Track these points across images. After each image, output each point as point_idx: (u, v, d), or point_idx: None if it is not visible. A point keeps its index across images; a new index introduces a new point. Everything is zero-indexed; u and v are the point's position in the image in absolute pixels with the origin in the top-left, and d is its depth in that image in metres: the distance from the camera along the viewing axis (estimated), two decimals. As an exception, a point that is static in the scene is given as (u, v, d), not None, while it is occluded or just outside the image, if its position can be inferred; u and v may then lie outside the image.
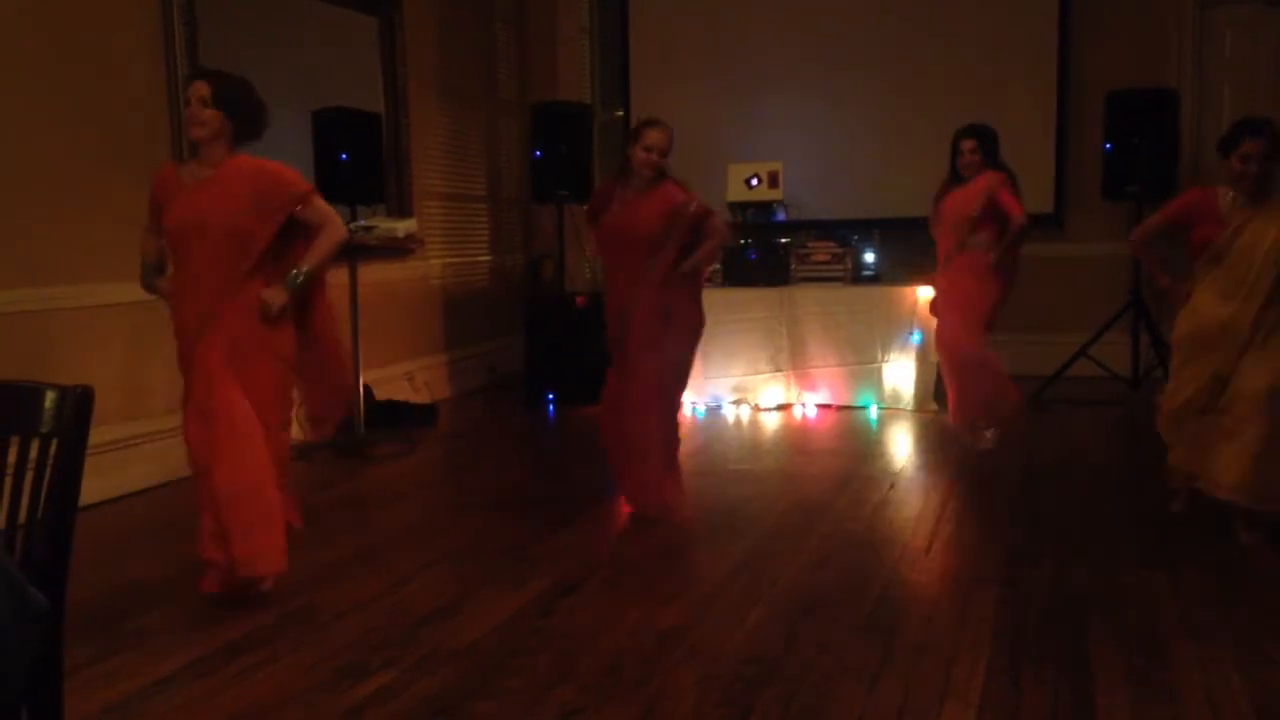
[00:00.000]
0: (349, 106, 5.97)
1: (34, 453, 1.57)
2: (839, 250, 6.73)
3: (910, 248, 6.44)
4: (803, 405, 6.54)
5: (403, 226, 5.57)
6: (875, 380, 6.46)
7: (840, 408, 6.50)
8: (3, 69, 4.30)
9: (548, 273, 7.91)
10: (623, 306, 4.21)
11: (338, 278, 5.62)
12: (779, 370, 6.63)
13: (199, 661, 2.94)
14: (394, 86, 6.70)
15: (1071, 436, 5.76)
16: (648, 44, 8.00)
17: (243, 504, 3.30)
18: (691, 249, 4.20)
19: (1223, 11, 7.08)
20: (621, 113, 8.11)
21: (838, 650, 2.93)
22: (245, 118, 3.41)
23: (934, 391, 6.31)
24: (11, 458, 1.59)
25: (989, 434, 5.27)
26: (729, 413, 6.54)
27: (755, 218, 7.06)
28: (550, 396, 6.86)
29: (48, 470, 1.56)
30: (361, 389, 5.67)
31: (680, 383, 4.35)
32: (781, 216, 7.17)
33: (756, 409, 6.59)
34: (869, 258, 6.80)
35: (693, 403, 6.57)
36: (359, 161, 5.87)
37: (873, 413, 6.36)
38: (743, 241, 6.86)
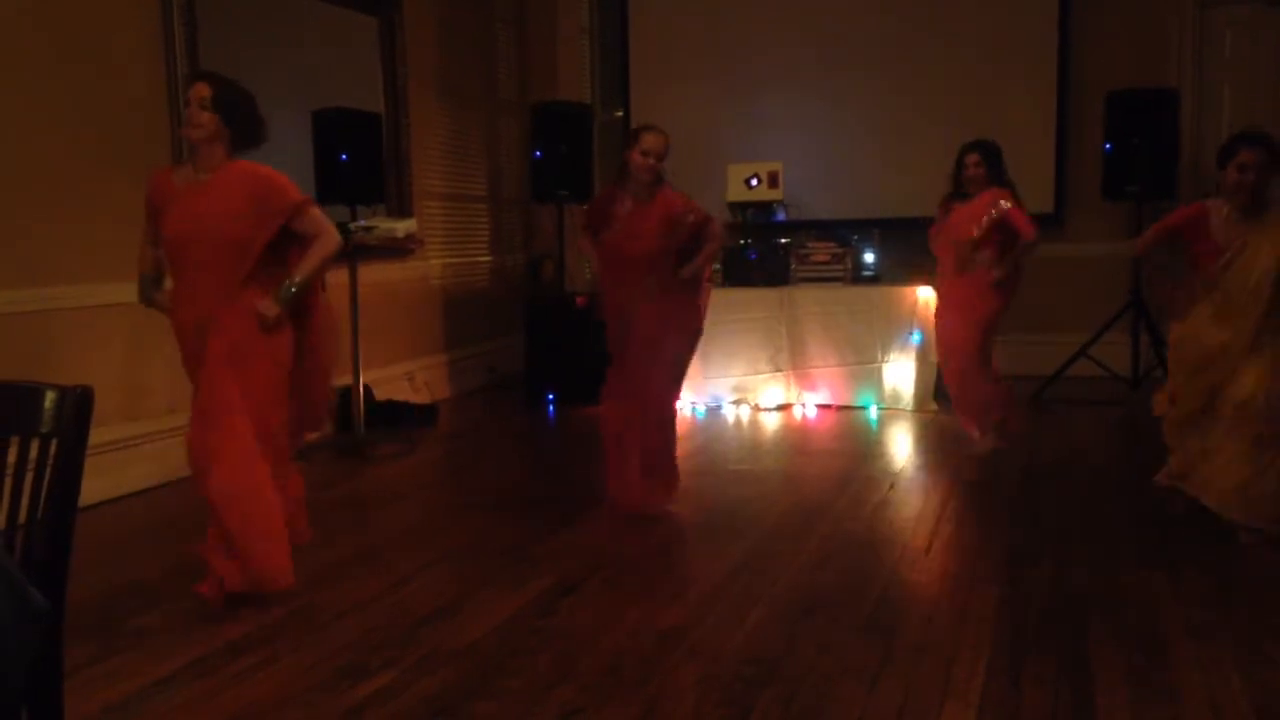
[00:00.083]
0: (349, 107, 5.97)
1: (34, 453, 1.57)
2: (839, 250, 6.73)
3: (910, 248, 6.43)
4: (803, 405, 6.54)
5: (402, 227, 5.57)
6: (875, 380, 6.46)
7: (840, 408, 6.50)
8: (3, 69, 4.30)
9: (548, 273, 7.91)
10: (622, 309, 4.22)
11: (338, 278, 5.63)
12: (779, 370, 6.63)
13: (199, 661, 2.94)
14: (394, 86, 6.70)
15: (1071, 436, 5.76)
16: (648, 44, 8.00)
17: (240, 508, 3.30)
18: (691, 254, 4.22)
19: (1223, 11, 7.08)
20: (621, 113, 8.11)
21: (838, 650, 2.93)
22: (243, 125, 3.38)
23: (934, 391, 6.32)
24: (11, 458, 1.59)
25: (986, 437, 5.27)
26: (729, 413, 6.54)
27: (755, 218, 7.06)
28: (550, 396, 6.86)
29: (47, 470, 1.56)
30: (362, 389, 5.67)
31: (677, 386, 4.38)
32: (781, 216, 7.17)
33: (756, 409, 6.59)
34: (869, 258, 6.80)
35: (693, 403, 6.57)
36: (359, 162, 5.87)
37: (873, 413, 6.36)
38: (743, 241, 6.86)
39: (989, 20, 7.30)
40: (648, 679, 2.77)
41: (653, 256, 4.17)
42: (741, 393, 6.66)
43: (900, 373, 6.41)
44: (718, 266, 6.75)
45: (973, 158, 5.12)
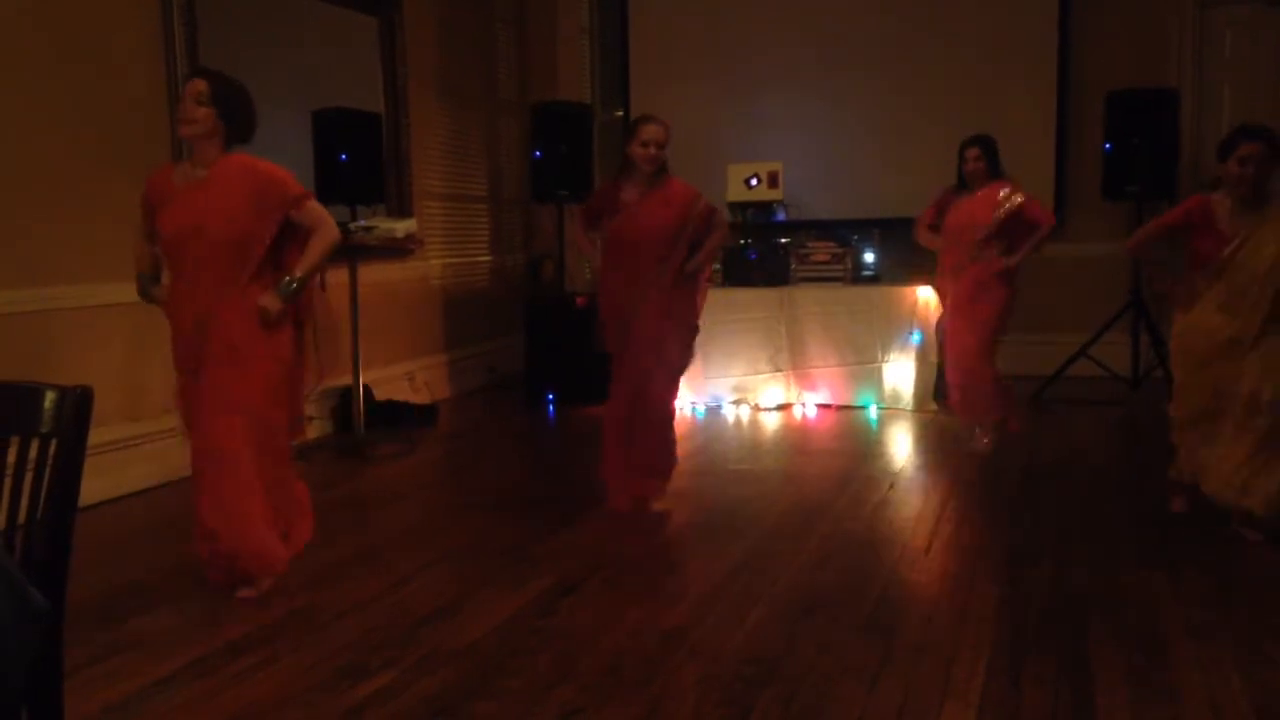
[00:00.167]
0: (349, 107, 5.97)
1: (34, 453, 1.57)
2: (839, 250, 6.73)
3: (910, 248, 6.41)
4: (803, 405, 6.54)
5: (402, 227, 5.57)
6: (875, 380, 6.46)
7: (840, 408, 6.50)
8: (3, 69, 4.30)
9: (548, 273, 7.91)
10: (622, 308, 4.20)
11: (338, 277, 5.63)
12: (779, 370, 6.63)
13: (199, 661, 2.93)
14: (394, 86, 6.70)
15: (1071, 436, 5.76)
16: (648, 44, 8.01)
17: (227, 507, 3.34)
18: (694, 248, 4.22)
19: (1223, 11, 7.08)
20: (621, 113, 8.11)
21: (838, 650, 2.93)
22: (238, 119, 3.39)
23: (934, 391, 6.32)
24: (11, 458, 1.59)
25: (985, 439, 5.27)
26: (729, 413, 6.54)
27: (755, 218, 7.07)
28: (550, 396, 6.86)
29: (47, 470, 1.56)
30: (362, 389, 5.67)
31: (676, 385, 4.38)
32: (781, 216, 7.17)
33: (756, 409, 6.59)
34: (869, 258, 6.80)
35: (693, 403, 6.57)
36: (359, 162, 5.87)
37: (872, 413, 6.36)
38: (743, 241, 6.86)
39: (989, 20, 7.30)
40: (648, 679, 2.77)
41: (664, 240, 4.15)
42: (741, 393, 6.66)
43: (900, 372, 6.41)
44: (718, 266, 6.77)
45: (973, 151, 5.14)
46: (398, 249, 5.66)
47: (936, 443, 5.60)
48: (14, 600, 1.33)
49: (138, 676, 2.84)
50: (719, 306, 6.05)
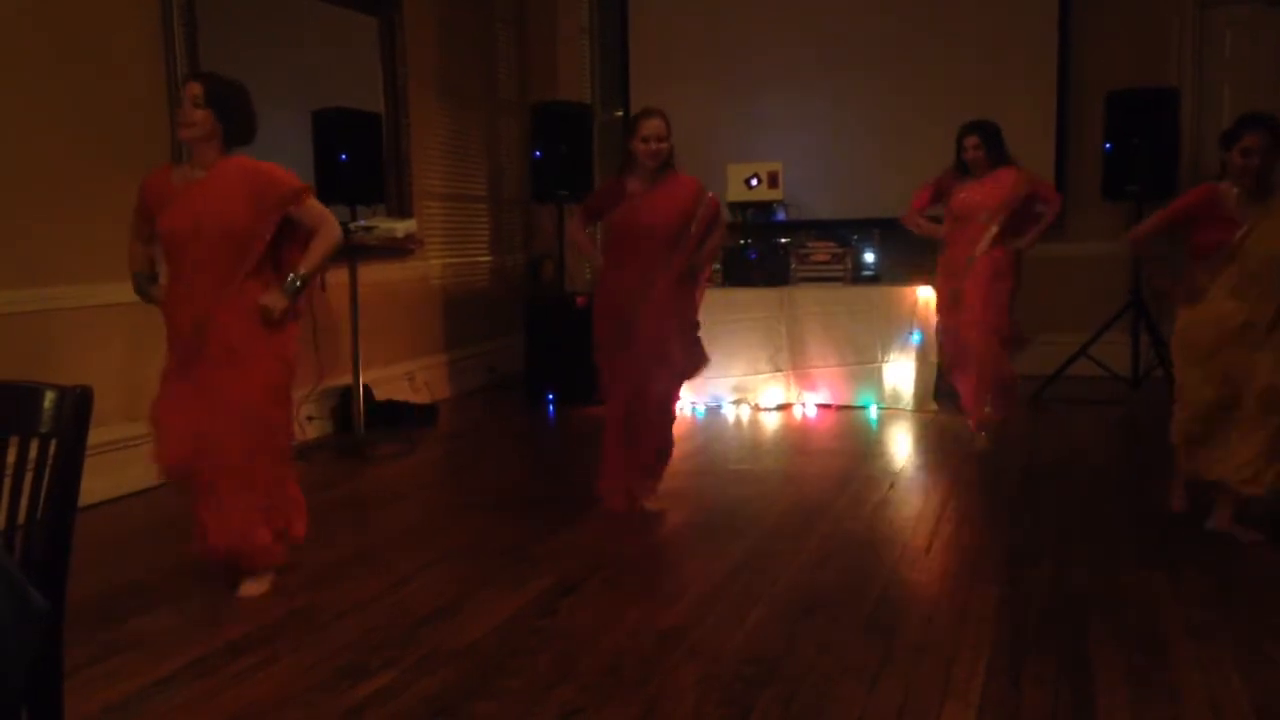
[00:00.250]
0: (349, 107, 5.97)
1: (33, 453, 1.57)
2: (839, 250, 6.73)
3: (910, 247, 6.43)
4: (803, 405, 6.54)
5: (402, 227, 5.57)
6: (875, 380, 6.46)
7: (840, 407, 6.50)
8: (3, 69, 4.30)
9: (548, 273, 7.91)
10: (622, 308, 4.16)
11: (338, 277, 5.63)
12: (779, 370, 6.63)
13: (199, 661, 2.94)
14: (394, 86, 6.70)
15: (1071, 436, 5.76)
16: (648, 44, 8.01)
17: (226, 501, 3.36)
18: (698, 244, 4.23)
19: (1223, 11, 7.08)
20: (621, 113, 8.10)
21: (838, 650, 2.93)
22: (237, 120, 3.39)
23: (934, 391, 6.32)
24: (11, 458, 1.59)
25: (982, 435, 5.27)
26: (729, 412, 6.54)
27: (755, 218, 7.06)
28: (550, 396, 6.86)
29: (47, 470, 1.56)
30: (362, 389, 5.67)
31: (678, 385, 4.38)
32: (781, 216, 7.17)
33: (756, 409, 6.59)
34: (869, 258, 6.80)
35: (693, 403, 6.57)
36: (359, 162, 5.87)
37: (873, 412, 6.36)
38: (742, 241, 6.86)
39: (989, 20, 7.30)
40: (648, 679, 2.77)
41: (672, 231, 4.14)
42: (741, 392, 6.66)
43: (900, 372, 6.41)
44: (717, 266, 6.77)
45: (972, 140, 5.11)
46: (398, 249, 5.66)
47: (936, 443, 5.60)
48: (14, 600, 1.33)
49: (138, 676, 2.84)
50: (719, 306, 6.05)
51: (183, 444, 3.34)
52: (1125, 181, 6.64)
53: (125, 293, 3.67)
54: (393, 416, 6.13)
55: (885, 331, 6.42)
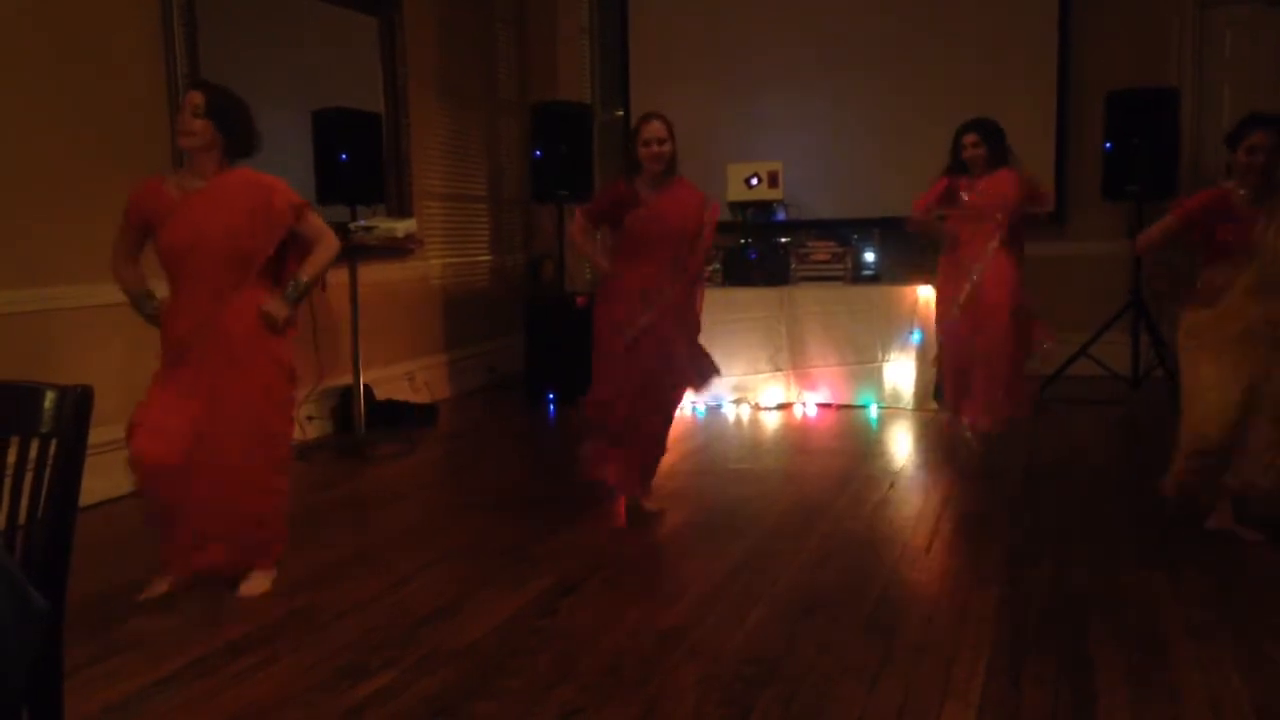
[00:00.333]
0: (349, 107, 5.97)
1: (34, 453, 1.57)
2: (839, 250, 6.73)
3: (910, 247, 6.44)
4: (803, 404, 6.54)
5: (402, 226, 5.57)
6: (875, 379, 6.46)
7: (840, 407, 6.50)
8: (3, 69, 4.30)
9: (548, 273, 7.91)
10: (633, 314, 4.11)
11: (338, 277, 5.63)
12: (779, 369, 6.63)
13: (199, 661, 2.94)
14: (394, 86, 6.70)
15: (1071, 436, 5.75)
16: (648, 44, 8.01)
17: (226, 509, 3.36)
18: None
19: (1223, 11, 7.08)
20: (621, 112, 8.11)
21: (838, 650, 2.93)
22: (238, 134, 3.37)
23: (934, 391, 6.31)
24: (11, 458, 1.59)
25: (974, 437, 5.22)
26: (729, 412, 6.54)
27: (755, 217, 7.06)
28: (550, 396, 6.86)
29: (47, 470, 1.56)
30: (362, 389, 5.67)
31: (681, 393, 4.39)
32: (781, 216, 7.18)
33: (756, 408, 6.59)
34: (869, 257, 6.81)
35: (693, 402, 6.57)
36: (359, 161, 5.87)
37: (873, 412, 6.36)
38: (743, 241, 6.86)
39: (989, 20, 7.30)
40: (648, 679, 2.77)
41: (685, 239, 4.17)
42: (742, 392, 6.66)
43: (900, 372, 6.41)
44: (717, 266, 6.78)
45: (970, 138, 5.06)
46: (398, 249, 5.66)
47: (936, 442, 5.60)
48: (14, 600, 1.33)
49: (138, 676, 2.84)
50: (719, 306, 6.05)
51: (173, 444, 3.26)
52: (1125, 181, 6.64)
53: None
54: (393, 416, 6.13)
55: (885, 331, 6.42)
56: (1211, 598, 3.30)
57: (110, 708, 2.67)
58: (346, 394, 5.80)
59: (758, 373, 6.65)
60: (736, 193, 6.94)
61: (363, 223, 5.50)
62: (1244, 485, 3.83)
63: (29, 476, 1.56)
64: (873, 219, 7.12)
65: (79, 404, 1.59)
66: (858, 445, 5.59)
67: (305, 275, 3.44)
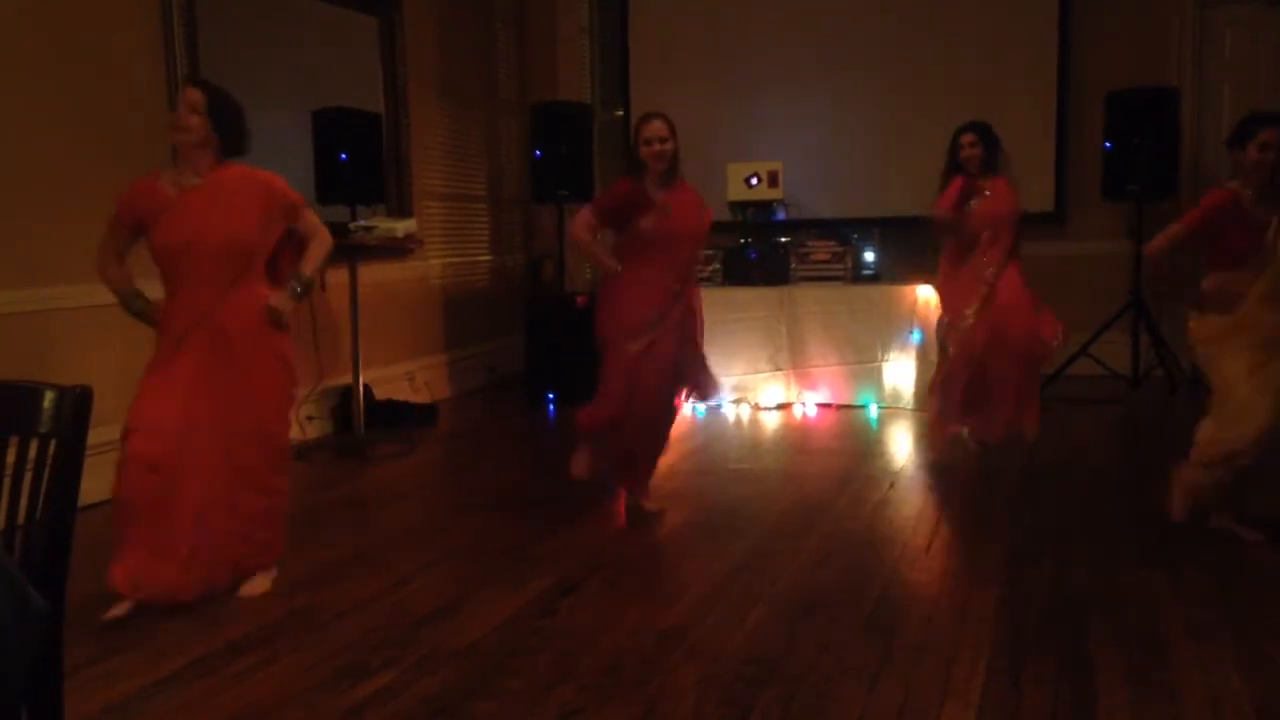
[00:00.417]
0: (349, 106, 5.97)
1: (33, 453, 1.57)
2: (839, 249, 6.73)
3: (910, 247, 6.44)
4: (803, 404, 6.54)
5: (402, 226, 5.57)
6: (875, 379, 6.46)
7: (840, 407, 6.50)
8: (3, 69, 4.30)
9: (548, 273, 7.91)
10: (647, 316, 4.08)
11: (338, 277, 5.63)
12: (779, 369, 6.63)
13: (199, 661, 2.94)
14: (394, 86, 6.70)
15: (1071, 436, 5.75)
16: (648, 44, 8.01)
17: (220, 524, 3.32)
18: None
19: (1223, 11, 7.08)
20: (621, 112, 8.11)
21: (838, 650, 2.93)
22: (231, 133, 3.37)
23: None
24: (10, 458, 1.59)
25: (969, 439, 5.21)
26: (729, 412, 6.54)
27: (755, 217, 7.06)
28: (550, 396, 6.86)
29: (47, 470, 1.56)
30: (362, 389, 5.67)
31: (682, 397, 4.40)
32: (781, 215, 7.17)
33: (756, 408, 6.59)
34: (869, 257, 6.80)
35: (692, 402, 6.57)
36: (359, 161, 5.87)
37: (873, 412, 6.36)
38: (742, 241, 6.86)
39: (989, 20, 7.30)
40: (648, 679, 2.77)
41: (698, 241, 4.22)
42: (741, 392, 6.66)
43: (900, 371, 6.41)
44: (716, 265, 6.79)
45: (968, 137, 5.05)
46: (397, 249, 5.67)
47: (931, 442, 5.58)
48: (14, 600, 1.33)
49: (138, 676, 2.84)
50: (719, 306, 6.05)
51: (168, 445, 3.23)
52: (1125, 181, 6.64)
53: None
54: (393, 416, 6.13)
55: (885, 330, 6.42)
56: (1211, 598, 3.30)
57: (110, 708, 2.67)
58: (346, 394, 5.80)
59: (757, 372, 6.65)
60: (736, 192, 6.94)
61: (362, 222, 5.50)
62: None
63: (28, 476, 1.56)
64: (873, 218, 7.12)
65: (78, 404, 1.59)
66: (858, 445, 5.59)
67: (307, 270, 3.47)
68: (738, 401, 6.64)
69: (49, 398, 1.60)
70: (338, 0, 6.27)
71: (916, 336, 6.33)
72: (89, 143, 4.64)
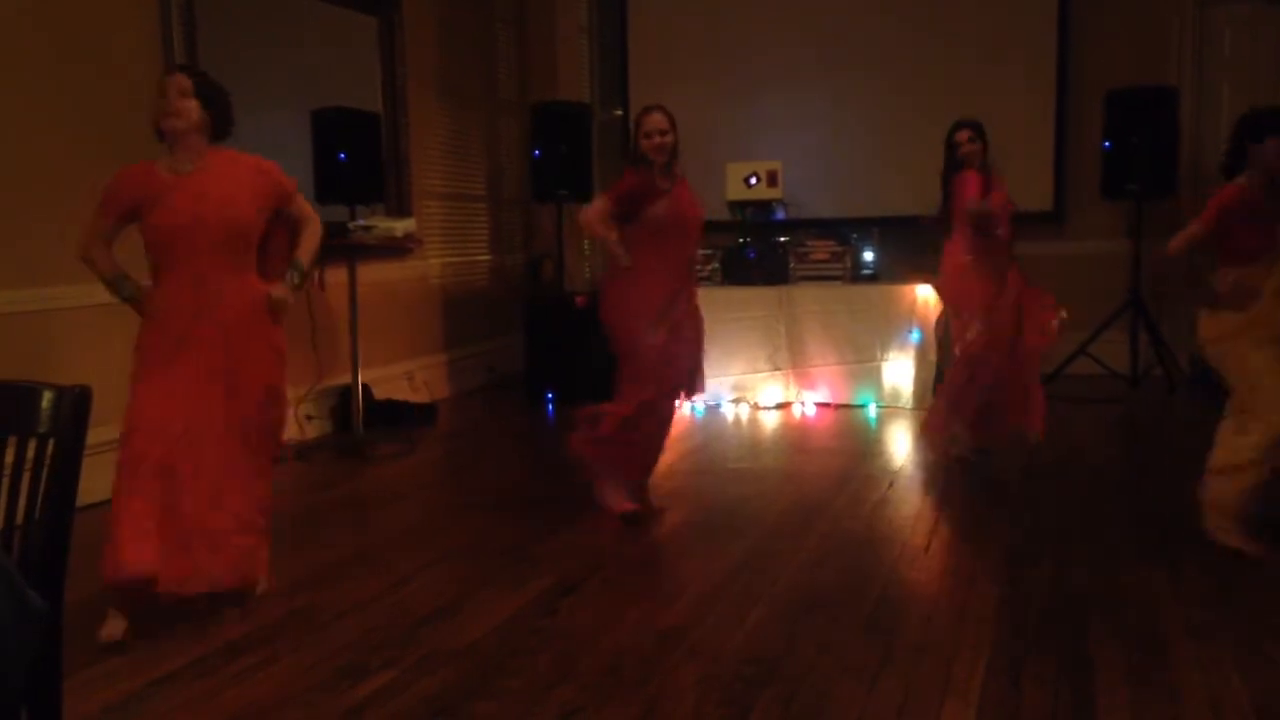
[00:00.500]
0: (348, 106, 5.96)
1: (32, 453, 1.57)
2: (838, 249, 6.73)
3: (910, 246, 6.44)
4: (802, 404, 6.54)
5: (401, 226, 5.57)
6: (874, 379, 6.46)
7: (839, 406, 6.50)
8: (3, 69, 4.30)
9: (547, 273, 7.91)
10: (662, 308, 4.08)
11: (337, 277, 5.63)
12: (778, 369, 6.63)
13: (199, 661, 2.94)
14: (393, 86, 6.70)
15: (1071, 435, 5.75)
16: (647, 44, 8.01)
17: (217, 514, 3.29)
18: None
19: (1222, 10, 7.08)
20: (621, 112, 8.11)
21: (838, 650, 2.93)
22: (221, 115, 3.37)
23: (933, 389, 6.31)
24: (9, 458, 1.59)
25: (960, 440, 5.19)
26: (728, 411, 6.54)
27: (754, 216, 7.07)
28: (550, 396, 6.86)
29: (45, 470, 1.56)
30: (361, 389, 5.67)
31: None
32: (781, 215, 7.18)
33: (756, 407, 6.59)
34: (868, 256, 6.80)
35: (691, 401, 6.57)
36: (358, 161, 5.87)
37: (872, 411, 6.36)
38: (741, 240, 6.87)
39: (989, 20, 7.30)
40: (648, 679, 2.77)
41: (701, 233, 4.25)
42: (741, 391, 6.66)
43: (899, 371, 6.41)
44: (716, 265, 6.79)
45: (965, 134, 4.98)
46: (397, 248, 5.67)
47: (925, 436, 5.57)
48: (13, 601, 1.33)
49: (138, 676, 2.84)
50: (718, 305, 6.04)
51: (170, 446, 3.21)
52: (1124, 180, 6.65)
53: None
54: (392, 416, 6.13)
55: (884, 330, 6.42)
56: (1211, 598, 3.30)
57: (110, 708, 2.67)
58: (345, 394, 5.80)
59: (756, 372, 6.65)
60: (735, 192, 6.94)
61: (361, 222, 5.50)
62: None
63: (27, 476, 1.56)
64: (872, 218, 7.12)
65: (77, 404, 1.59)
66: (857, 445, 5.59)
67: (304, 259, 3.46)
68: (737, 401, 6.64)
69: (48, 398, 1.59)
70: (337, 0, 6.27)
71: (916, 336, 6.33)
72: (89, 143, 4.64)
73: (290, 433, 3.73)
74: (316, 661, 2.93)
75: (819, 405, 6.53)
